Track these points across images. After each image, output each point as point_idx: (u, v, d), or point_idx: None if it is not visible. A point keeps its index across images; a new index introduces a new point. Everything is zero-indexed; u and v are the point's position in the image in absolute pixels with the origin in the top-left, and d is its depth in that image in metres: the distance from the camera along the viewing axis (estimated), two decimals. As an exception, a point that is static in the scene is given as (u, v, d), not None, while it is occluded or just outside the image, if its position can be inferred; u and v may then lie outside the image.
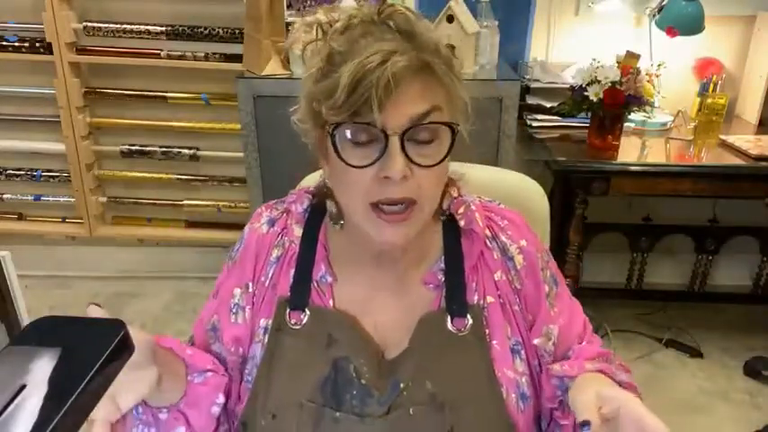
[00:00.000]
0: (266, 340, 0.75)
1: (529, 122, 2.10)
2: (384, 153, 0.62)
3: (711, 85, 2.17)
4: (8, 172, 2.48)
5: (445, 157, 0.65)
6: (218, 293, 0.83)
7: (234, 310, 0.79)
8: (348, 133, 0.63)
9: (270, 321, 0.76)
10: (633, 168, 1.87)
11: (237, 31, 2.14)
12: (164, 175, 2.44)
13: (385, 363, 0.73)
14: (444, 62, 0.65)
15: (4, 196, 2.53)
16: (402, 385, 0.71)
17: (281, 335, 0.74)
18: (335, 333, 0.73)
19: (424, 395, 0.70)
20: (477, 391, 0.72)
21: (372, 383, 0.71)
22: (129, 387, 0.59)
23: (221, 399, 0.74)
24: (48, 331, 0.38)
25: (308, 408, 0.70)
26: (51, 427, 0.30)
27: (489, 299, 0.75)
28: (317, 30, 0.68)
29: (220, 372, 0.76)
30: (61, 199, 2.52)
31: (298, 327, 0.74)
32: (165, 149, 2.39)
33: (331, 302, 0.75)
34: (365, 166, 0.63)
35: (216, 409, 0.74)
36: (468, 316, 0.73)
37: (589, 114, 1.93)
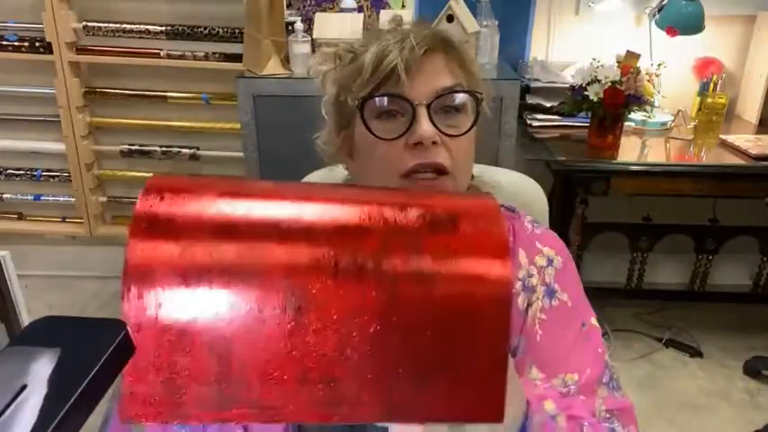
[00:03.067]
0: None
1: (529, 122, 2.10)
2: (412, 122, 0.64)
3: (711, 85, 2.17)
4: (8, 172, 2.48)
5: (472, 126, 0.67)
6: None
7: None
8: (376, 104, 0.65)
9: None
10: (633, 168, 1.87)
11: (237, 31, 2.14)
12: (164, 175, 2.44)
13: None
14: (460, 46, 0.69)
15: (4, 196, 2.53)
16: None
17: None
18: None
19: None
20: None
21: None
22: None
23: None
24: (48, 331, 0.38)
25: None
26: (51, 427, 0.30)
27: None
28: (335, 59, 0.72)
29: None
30: (61, 199, 2.52)
31: None
32: (164, 149, 2.39)
33: None
34: (395, 138, 0.65)
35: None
36: None
37: (589, 114, 1.93)
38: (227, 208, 0.36)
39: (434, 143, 0.64)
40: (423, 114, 0.64)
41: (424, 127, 0.64)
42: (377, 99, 0.65)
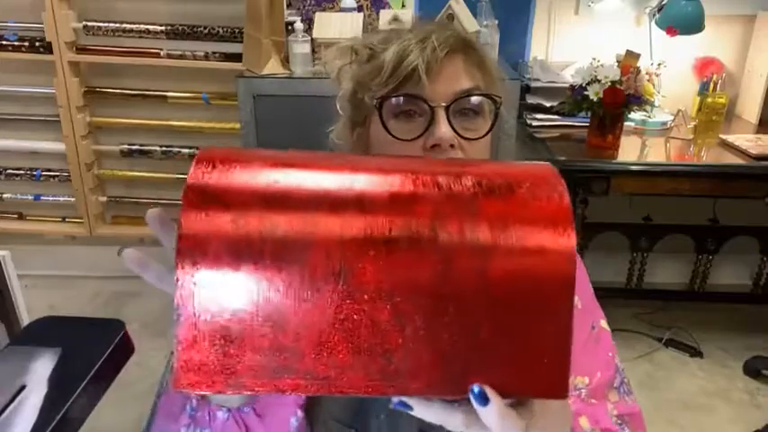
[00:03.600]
0: None
1: (529, 122, 2.10)
2: (430, 124, 0.64)
3: (711, 85, 2.17)
4: (8, 171, 2.48)
5: (490, 130, 0.67)
6: None
7: None
8: (394, 104, 0.65)
9: None
10: (633, 168, 1.87)
11: (237, 31, 2.14)
12: (164, 175, 2.44)
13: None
14: (481, 49, 0.68)
15: (4, 196, 2.53)
16: None
17: None
18: None
19: None
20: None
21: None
22: None
23: (300, 413, 0.65)
24: (48, 331, 0.38)
25: (334, 426, 0.69)
26: (51, 426, 0.30)
27: None
28: (351, 53, 0.71)
29: None
30: (61, 198, 2.52)
31: None
32: (165, 149, 2.39)
33: None
34: (413, 139, 0.65)
35: (294, 422, 0.65)
36: None
37: (589, 114, 1.93)
38: (279, 177, 0.36)
39: (452, 146, 0.64)
40: (441, 116, 0.64)
41: (443, 129, 0.63)
42: (395, 99, 0.65)
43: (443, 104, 0.64)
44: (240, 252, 0.34)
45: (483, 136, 0.67)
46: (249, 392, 0.35)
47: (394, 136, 0.65)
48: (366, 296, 0.34)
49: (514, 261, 0.35)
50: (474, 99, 0.66)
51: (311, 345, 0.34)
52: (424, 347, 0.34)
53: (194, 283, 0.34)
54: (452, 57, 0.65)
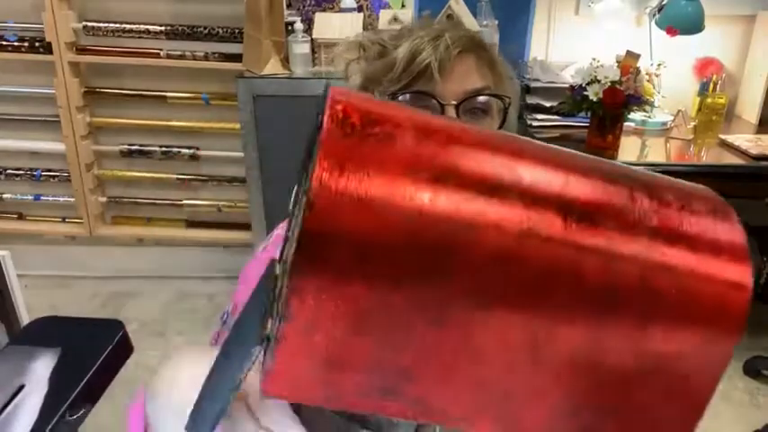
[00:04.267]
0: None
1: (529, 122, 2.10)
2: None
3: (711, 85, 2.17)
4: (8, 172, 2.48)
5: (498, 129, 0.67)
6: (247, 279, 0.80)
7: None
8: (405, 100, 0.66)
9: None
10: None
11: (237, 31, 2.14)
12: (164, 175, 2.44)
13: None
14: (492, 50, 0.69)
15: (4, 196, 2.53)
16: None
17: None
18: None
19: None
20: None
21: None
22: None
23: None
24: (48, 331, 0.38)
25: (333, 419, 0.69)
26: (51, 426, 0.30)
27: None
28: (360, 49, 0.72)
29: None
30: (61, 199, 2.52)
31: None
32: (164, 149, 2.39)
33: None
34: None
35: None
36: None
37: (589, 114, 1.93)
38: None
39: None
40: (451, 114, 0.64)
41: None
42: (407, 96, 0.66)
43: (454, 103, 0.64)
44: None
45: None
46: (349, 408, 0.31)
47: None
48: (499, 328, 0.28)
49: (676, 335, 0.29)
50: (484, 98, 0.66)
51: (430, 372, 0.29)
52: (553, 395, 0.30)
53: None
54: (464, 56, 0.66)
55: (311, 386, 0.29)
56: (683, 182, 0.34)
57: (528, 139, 0.33)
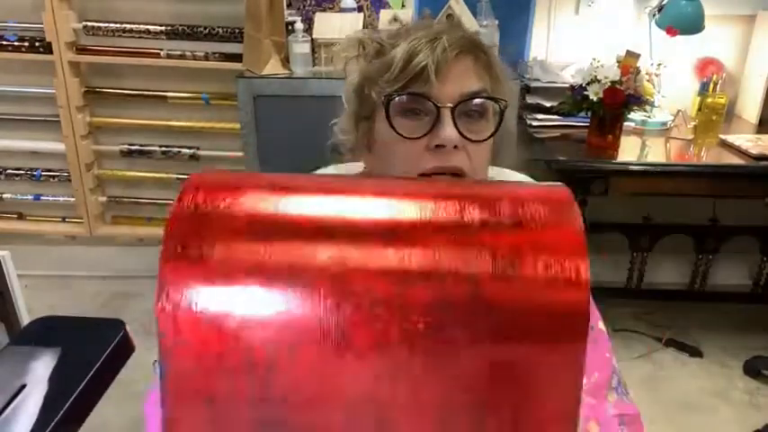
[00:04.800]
0: None
1: (529, 122, 2.10)
2: (436, 124, 0.64)
3: (711, 85, 2.17)
4: (8, 172, 2.48)
5: (494, 133, 0.68)
6: None
7: None
8: (402, 102, 0.65)
9: None
10: (633, 168, 1.87)
11: (237, 31, 2.14)
12: (164, 175, 2.44)
13: None
14: (490, 52, 0.69)
15: (4, 196, 2.53)
16: None
17: None
18: None
19: None
20: None
21: None
22: None
23: None
24: (48, 331, 0.38)
25: None
26: (51, 426, 0.30)
27: None
28: (359, 46, 0.72)
29: None
30: (61, 198, 2.52)
31: None
32: (164, 149, 2.39)
33: None
34: (418, 138, 0.65)
35: None
36: None
37: (589, 114, 1.93)
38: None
39: (455, 147, 0.64)
40: (447, 117, 0.64)
41: (448, 131, 0.64)
42: (403, 97, 0.65)
43: (450, 105, 0.64)
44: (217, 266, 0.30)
45: (487, 138, 0.67)
46: None
47: (399, 133, 0.65)
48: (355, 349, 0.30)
49: (520, 317, 0.30)
50: (480, 101, 0.66)
51: (301, 402, 0.31)
52: (421, 412, 0.31)
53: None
54: (462, 58, 0.65)
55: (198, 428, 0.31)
56: (530, 186, 0.35)
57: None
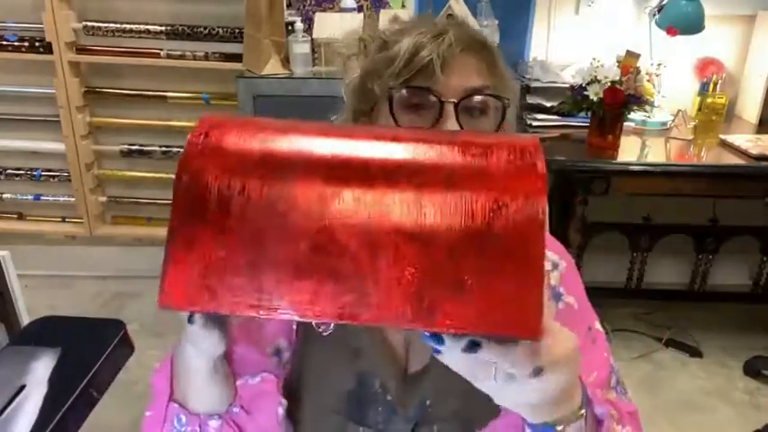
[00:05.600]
0: (295, 342, 0.72)
1: (529, 122, 2.10)
2: (439, 119, 0.64)
3: (711, 85, 2.17)
4: (8, 172, 2.48)
5: (495, 131, 0.68)
6: None
7: None
8: (405, 96, 0.65)
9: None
10: (633, 168, 1.87)
11: (237, 31, 2.14)
12: (164, 175, 2.44)
13: (408, 378, 0.71)
14: (494, 51, 0.69)
15: (4, 196, 2.53)
16: (428, 402, 0.69)
17: (309, 340, 0.72)
18: (363, 344, 0.71)
19: (448, 411, 0.69)
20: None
21: (397, 401, 0.69)
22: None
23: (284, 401, 0.66)
24: (48, 331, 0.38)
25: (331, 419, 0.69)
26: (51, 426, 0.30)
27: None
28: (360, 44, 0.72)
29: (272, 371, 0.68)
30: (61, 198, 2.52)
31: (326, 333, 0.72)
32: (164, 149, 2.39)
33: None
34: None
35: (281, 411, 0.65)
36: None
37: (589, 114, 1.93)
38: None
39: None
40: (450, 112, 0.64)
41: (450, 126, 0.64)
42: (407, 91, 0.65)
43: (453, 100, 0.64)
44: (231, 177, 0.37)
45: None
46: (227, 312, 0.36)
47: (401, 127, 0.65)
48: (343, 225, 0.36)
49: (486, 201, 0.37)
50: (482, 98, 0.66)
51: (289, 269, 0.36)
52: (399, 278, 0.35)
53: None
54: (467, 54, 0.66)
55: (196, 294, 0.36)
56: (502, 136, 0.43)
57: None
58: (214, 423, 0.60)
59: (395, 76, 0.65)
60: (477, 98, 0.66)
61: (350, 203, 0.36)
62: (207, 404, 0.59)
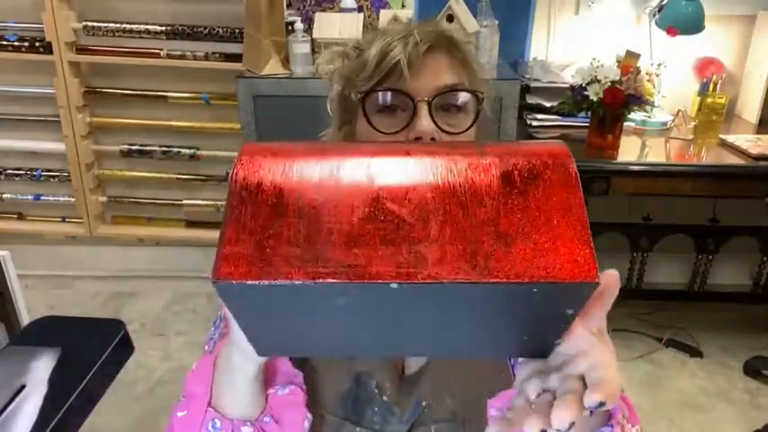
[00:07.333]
0: None
1: (529, 122, 2.10)
2: (413, 118, 0.65)
3: (711, 85, 2.17)
4: (8, 172, 2.48)
5: (471, 125, 0.68)
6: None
7: None
8: (378, 98, 0.66)
9: None
10: (633, 168, 1.87)
11: (237, 31, 2.14)
12: (164, 175, 2.44)
13: (405, 379, 0.71)
14: (464, 46, 0.69)
15: (4, 196, 2.53)
16: (424, 403, 0.69)
17: None
18: None
19: (445, 412, 0.69)
20: None
21: (394, 401, 0.70)
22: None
23: (309, 415, 0.66)
24: (48, 331, 0.38)
25: (328, 420, 0.69)
26: (51, 426, 0.30)
27: None
28: (343, 58, 0.73)
29: (300, 385, 0.68)
30: (61, 198, 2.52)
31: None
32: (164, 149, 2.39)
33: None
34: (395, 132, 0.66)
35: (307, 425, 0.65)
36: None
37: (589, 114, 1.93)
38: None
39: (433, 140, 0.65)
40: (423, 110, 0.65)
41: (424, 123, 0.64)
42: (379, 93, 0.66)
43: (426, 99, 0.65)
44: (284, 159, 0.40)
45: (464, 131, 0.68)
46: (284, 280, 0.36)
47: (377, 129, 0.66)
48: (391, 195, 0.38)
49: (525, 162, 0.40)
50: (456, 94, 0.67)
51: (342, 236, 0.37)
52: (450, 238, 0.37)
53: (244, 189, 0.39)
54: (435, 53, 0.66)
55: (250, 263, 0.37)
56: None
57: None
58: (246, 429, 0.60)
59: (367, 80, 0.66)
60: (450, 95, 0.66)
61: (396, 174, 0.39)
62: (242, 410, 0.60)
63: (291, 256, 0.36)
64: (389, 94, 0.66)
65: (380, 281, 0.35)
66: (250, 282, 0.36)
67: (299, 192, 0.38)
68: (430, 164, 0.39)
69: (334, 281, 0.35)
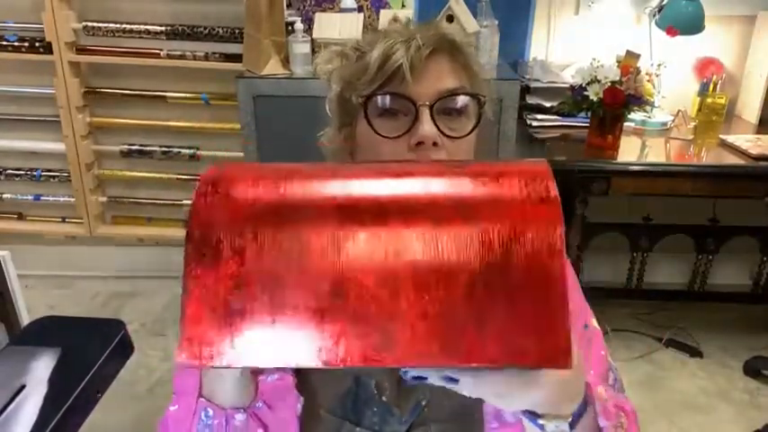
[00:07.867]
0: None
1: (529, 122, 2.09)
2: (415, 122, 0.65)
3: (711, 85, 2.17)
4: (8, 172, 2.48)
5: (473, 129, 0.68)
6: None
7: None
8: (380, 102, 0.66)
9: None
10: (633, 168, 1.87)
11: (237, 31, 2.14)
12: (164, 175, 2.44)
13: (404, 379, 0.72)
14: (466, 49, 0.69)
15: (4, 196, 2.53)
16: (424, 403, 0.70)
17: None
18: None
19: (444, 412, 0.69)
20: None
21: (393, 402, 0.70)
22: None
23: (301, 397, 0.67)
24: (48, 331, 0.38)
25: (327, 419, 0.69)
26: (51, 426, 0.30)
27: None
28: (341, 58, 0.72)
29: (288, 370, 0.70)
30: (61, 199, 2.52)
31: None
32: (164, 149, 2.39)
33: None
34: (397, 137, 0.66)
35: (299, 407, 0.67)
36: None
37: (589, 114, 1.93)
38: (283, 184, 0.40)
39: (435, 144, 0.65)
40: (425, 115, 0.64)
41: (426, 127, 0.64)
42: (380, 97, 0.66)
43: (428, 103, 0.64)
44: (242, 229, 0.36)
45: (466, 135, 0.67)
46: (249, 365, 0.35)
47: (379, 133, 0.66)
48: (360, 268, 0.35)
49: (503, 233, 0.36)
50: (458, 99, 0.66)
51: (309, 317, 0.35)
52: (422, 318, 0.35)
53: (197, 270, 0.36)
54: (437, 56, 0.66)
55: (216, 348, 0.35)
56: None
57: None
58: (240, 417, 0.61)
59: (368, 84, 0.66)
60: (452, 99, 0.66)
61: (366, 243, 0.35)
62: (233, 399, 0.60)
63: (257, 339, 0.35)
64: (391, 98, 0.66)
65: (348, 365, 0.34)
66: (215, 365, 0.35)
67: (262, 262, 0.36)
68: (407, 231, 0.36)
69: (299, 365, 0.35)
